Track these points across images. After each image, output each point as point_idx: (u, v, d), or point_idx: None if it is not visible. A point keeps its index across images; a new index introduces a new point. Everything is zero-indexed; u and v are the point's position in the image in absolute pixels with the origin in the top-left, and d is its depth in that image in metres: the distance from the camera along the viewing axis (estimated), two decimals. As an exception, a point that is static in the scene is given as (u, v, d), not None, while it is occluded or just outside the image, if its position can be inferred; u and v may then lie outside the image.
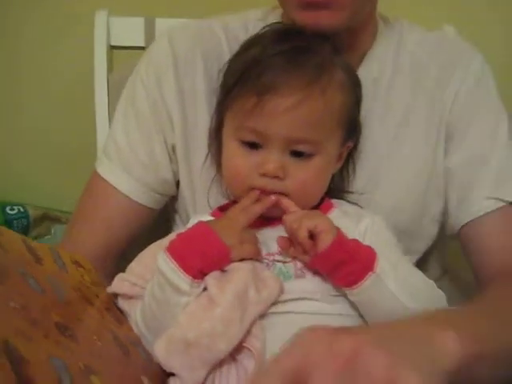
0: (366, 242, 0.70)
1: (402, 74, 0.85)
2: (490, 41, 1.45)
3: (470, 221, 0.84)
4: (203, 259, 0.66)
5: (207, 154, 0.82)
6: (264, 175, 0.71)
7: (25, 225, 1.56)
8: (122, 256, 0.87)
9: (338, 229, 0.68)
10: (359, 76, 0.83)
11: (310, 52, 0.71)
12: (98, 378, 0.54)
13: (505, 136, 0.85)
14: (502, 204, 0.83)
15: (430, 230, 0.88)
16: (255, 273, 0.67)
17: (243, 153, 0.72)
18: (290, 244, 0.70)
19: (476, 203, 0.83)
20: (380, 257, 0.67)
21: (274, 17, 0.86)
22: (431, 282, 0.72)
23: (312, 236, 0.67)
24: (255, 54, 0.72)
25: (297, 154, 0.71)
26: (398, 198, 0.84)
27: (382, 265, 0.66)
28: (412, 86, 0.85)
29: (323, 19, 0.72)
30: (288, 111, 0.68)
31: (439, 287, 0.73)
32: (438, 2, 1.48)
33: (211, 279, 0.66)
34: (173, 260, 0.66)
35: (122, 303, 0.74)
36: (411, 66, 0.86)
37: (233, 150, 0.73)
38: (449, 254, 1.00)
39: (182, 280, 0.65)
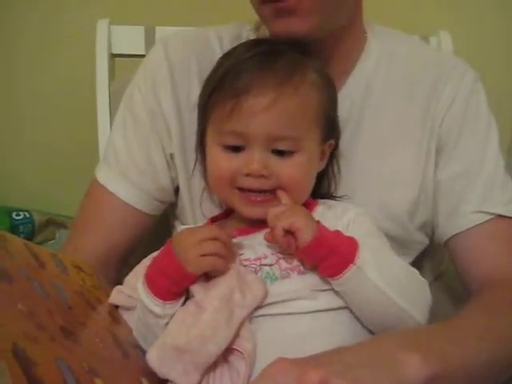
0: (349, 233, 0.71)
1: (394, 86, 0.86)
2: (485, 47, 1.47)
3: (458, 233, 0.85)
4: (167, 280, 0.67)
5: (195, 163, 0.84)
6: (248, 175, 0.72)
7: (30, 230, 1.58)
8: (124, 262, 0.88)
9: (318, 224, 0.69)
10: (349, 85, 0.85)
11: (280, 54, 0.73)
12: (102, 381, 0.55)
13: (494, 151, 0.86)
14: (489, 217, 0.84)
15: (419, 238, 0.89)
16: (240, 277, 0.68)
17: (226, 156, 0.73)
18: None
19: (464, 216, 0.85)
20: (362, 247, 0.68)
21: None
22: (413, 269, 0.73)
23: (292, 233, 0.67)
24: (229, 63, 0.74)
25: (278, 153, 0.72)
26: (386, 205, 0.84)
27: (363, 256, 0.67)
28: (404, 98, 0.86)
29: (294, 26, 0.74)
30: (264, 110, 0.70)
31: (431, 292, 0.73)
32: (433, 7, 1.50)
33: (196, 286, 0.67)
34: (146, 285, 0.68)
35: (121, 313, 0.75)
36: (403, 78, 0.87)
37: (216, 155, 0.75)
38: (444, 260, 1.01)
39: (154, 304, 0.67)
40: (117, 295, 0.75)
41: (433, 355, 0.59)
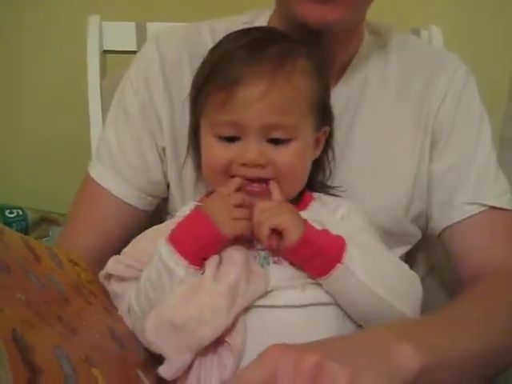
0: (341, 230, 0.70)
1: (388, 81, 0.88)
2: (475, 41, 1.49)
3: (451, 224, 0.86)
4: (197, 241, 0.67)
5: (186, 155, 0.84)
6: (244, 165, 0.71)
7: (23, 227, 1.58)
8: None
9: (305, 223, 0.68)
10: (346, 79, 0.86)
11: (271, 42, 0.73)
12: (98, 371, 0.56)
13: (487, 144, 0.88)
14: (482, 208, 0.85)
15: (412, 231, 0.90)
16: (248, 266, 0.68)
17: (222, 146, 0.73)
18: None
19: (457, 208, 0.86)
20: (351, 245, 0.68)
21: (261, 21, 0.88)
22: (403, 265, 0.74)
23: (278, 232, 0.67)
24: (219, 53, 0.74)
25: (274, 142, 0.72)
26: (381, 198, 0.85)
27: (351, 255, 0.67)
28: (398, 94, 0.87)
29: (329, 14, 0.73)
30: (258, 100, 0.69)
31: (424, 285, 0.74)
32: (424, 2, 1.51)
33: (208, 268, 0.67)
34: (170, 244, 0.68)
35: (114, 285, 0.75)
36: (398, 73, 0.88)
37: (211, 145, 0.74)
38: (437, 253, 1.02)
39: (178, 264, 0.67)
40: (114, 265, 0.75)
41: (426, 347, 0.60)
